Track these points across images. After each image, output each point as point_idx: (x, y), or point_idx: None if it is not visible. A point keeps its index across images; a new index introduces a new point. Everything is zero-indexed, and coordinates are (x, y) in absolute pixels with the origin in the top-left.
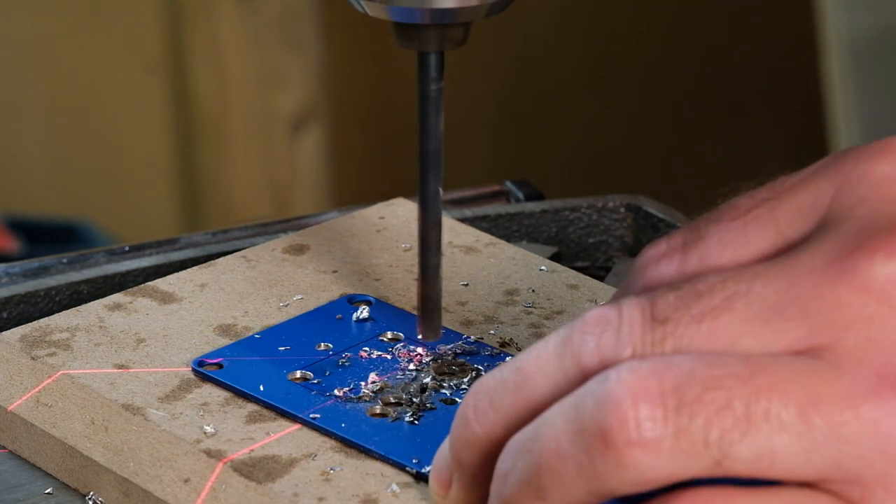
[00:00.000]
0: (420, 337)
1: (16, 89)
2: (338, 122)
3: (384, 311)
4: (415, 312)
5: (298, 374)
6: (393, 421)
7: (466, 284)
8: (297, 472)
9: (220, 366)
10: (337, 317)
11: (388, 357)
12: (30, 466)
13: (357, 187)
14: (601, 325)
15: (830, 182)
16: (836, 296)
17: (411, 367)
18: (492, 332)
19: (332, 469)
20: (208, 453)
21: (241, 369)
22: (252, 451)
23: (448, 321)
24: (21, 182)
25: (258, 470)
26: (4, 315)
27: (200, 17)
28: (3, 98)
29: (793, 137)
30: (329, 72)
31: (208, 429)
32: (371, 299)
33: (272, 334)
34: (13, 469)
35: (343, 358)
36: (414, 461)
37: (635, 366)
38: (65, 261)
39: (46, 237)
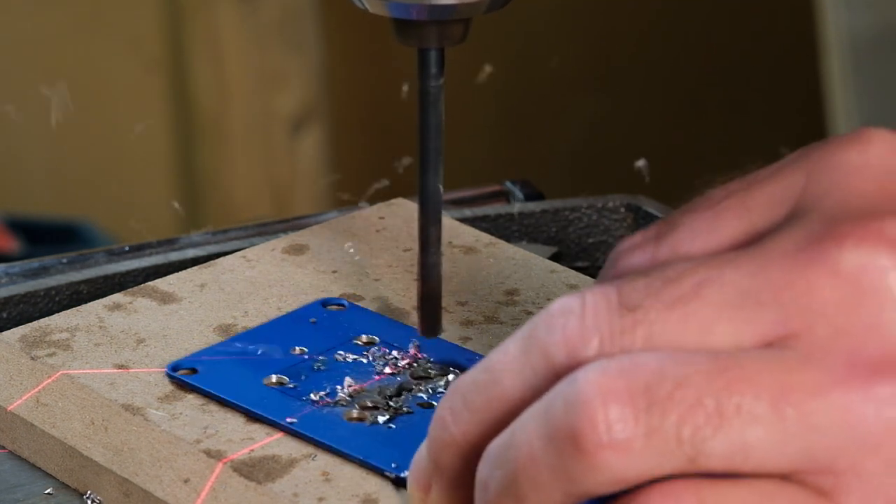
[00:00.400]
0: (420, 334)
1: (16, 89)
2: (338, 122)
3: (359, 314)
4: (408, 312)
5: (274, 378)
6: (370, 425)
7: None
8: (297, 472)
9: (194, 370)
10: (311, 320)
11: (364, 360)
12: (30, 466)
13: (357, 187)
14: (565, 314)
15: (801, 172)
16: (806, 281)
17: (387, 370)
18: (492, 332)
19: (331, 469)
20: (208, 453)
21: (217, 374)
22: (252, 451)
23: (448, 321)
24: (21, 182)
25: (258, 470)
26: (4, 315)
27: (200, 17)
28: (3, 98)
29: (793, 136)
30: (329, 72)
31: (208, 429)
32: (345, 302)
33: (247, 338)
34: (13, 469)
35: (318, 362)
36: (393, 465)
37: (604, 365)
38: (65, 261)
39: (46, 237)
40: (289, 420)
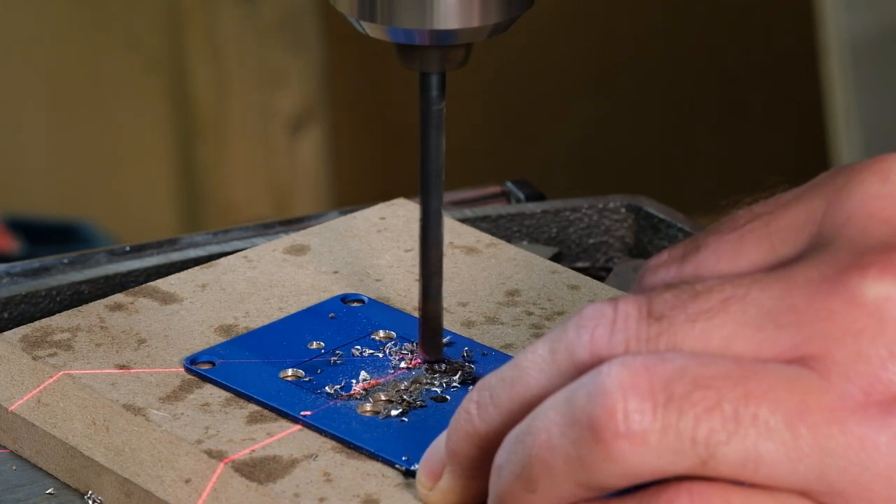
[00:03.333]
0: (421, 357)
1: (16, 89)
2: (338, 122)
3: (377, 310)
4: (410, 312)
5: (290, 372)
6: (383, 419)
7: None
8: (298, 473)
9: (212, 364)
10: (329, 315)
11: (380, 355)
12: (31, 467)
13: (357, 187)
14: (596, 319)
15: (822, 199)
16: (829, 308)
17: (402, 365)
18: (493, 332)
19: (332, 470)
20: (209, 454)
21: (234, 367)
22: (253, 451)
23: (449, 322)
24: (21, 182)
25: (259, 470)
26: (5, 315)
27: (200, 17)
28: (3, 98)
29: (793, 137)
30: (329, 72)
31: (209, 429)
32: (365, 298)
33: (265, 333)
34: (15, 469)
35: (335, 356)
36: (404, 458)
37: (628, 360)
38: (65, 261)
39: (46, 237)
40: (303, 413)
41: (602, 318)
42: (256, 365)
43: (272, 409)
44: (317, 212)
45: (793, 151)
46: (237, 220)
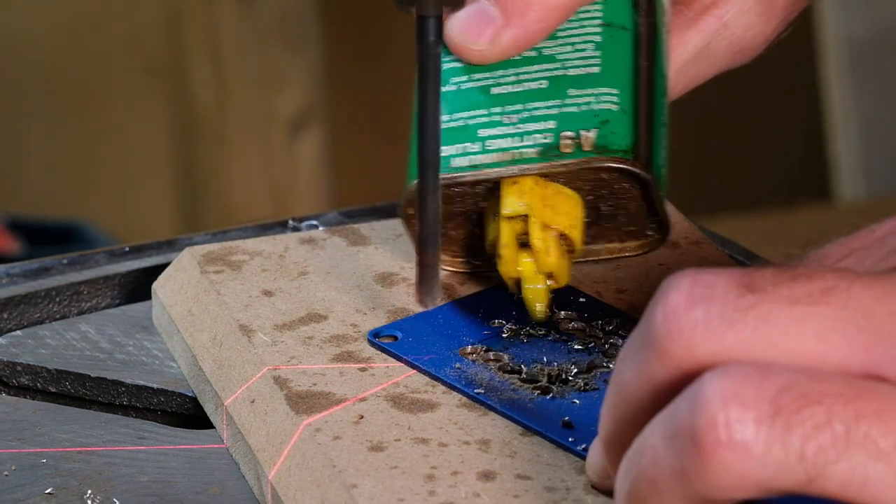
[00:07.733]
0: (418, 302)
1: (16, 89)
2: (338, 122)
3: (561, 292)
4: (592, 294)
5: (469, 349)
6: (552, 398)
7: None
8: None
9: (394, 338)
10: (516, 297)
11: (561, 337)
12: (30, 467)
13: (356, 187)
14: (683, 276)
15: None
16: None
17: (578, 346)
18: None
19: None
20: (276, 380)
21: (414, 343)
22: (314, 385)
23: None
24: (21, 182)
25: (306, 401)
26: (4, 315)
27: (200, 17)
28: (2, 98)
29: (792, 137)
30: (329, 72)
31: (293, 360)
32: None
33: (448, 309)
34: (15, 469)
35: (515, 336)
36: (570, 440)
37: (731, 369)
38: (65, 261)
39: (46, 238)
40: (476, 391)
41: (683, 283)
42: (438, 341)
43: (449, 386)
44: (316, 212)
45: (792, 151)
46: (237, 220)
